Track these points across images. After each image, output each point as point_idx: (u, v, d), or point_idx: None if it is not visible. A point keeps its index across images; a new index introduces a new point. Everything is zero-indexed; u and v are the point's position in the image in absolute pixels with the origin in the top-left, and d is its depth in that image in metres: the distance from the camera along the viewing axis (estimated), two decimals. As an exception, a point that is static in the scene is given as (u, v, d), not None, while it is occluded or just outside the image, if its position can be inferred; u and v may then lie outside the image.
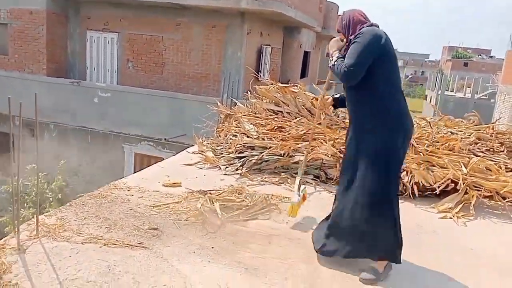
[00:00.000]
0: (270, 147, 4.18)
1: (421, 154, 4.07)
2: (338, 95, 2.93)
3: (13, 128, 2.21)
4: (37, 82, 11.23)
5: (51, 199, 7.93)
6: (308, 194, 3.46)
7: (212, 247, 2.55)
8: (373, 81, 2.33)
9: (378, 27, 2.45)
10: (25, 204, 8.03)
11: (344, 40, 2.50)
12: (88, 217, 2.77)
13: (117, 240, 2.49)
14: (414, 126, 3.60)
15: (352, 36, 2.40)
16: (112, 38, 12.04)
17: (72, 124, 11.22)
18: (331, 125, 4.80)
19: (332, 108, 3.09)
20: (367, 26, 2.41)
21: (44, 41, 11.83)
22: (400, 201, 3.66)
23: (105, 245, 2.43)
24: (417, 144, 4.21)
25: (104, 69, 12.37)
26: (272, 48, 13.21)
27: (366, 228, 2.37)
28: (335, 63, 2.42)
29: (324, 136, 4.40)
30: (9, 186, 7.68)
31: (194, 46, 11.38)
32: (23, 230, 2.49)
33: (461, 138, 4.48)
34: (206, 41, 11.26)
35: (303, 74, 16.51)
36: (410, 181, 3.80)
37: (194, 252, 2.47)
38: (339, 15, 16.40)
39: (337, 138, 4.28)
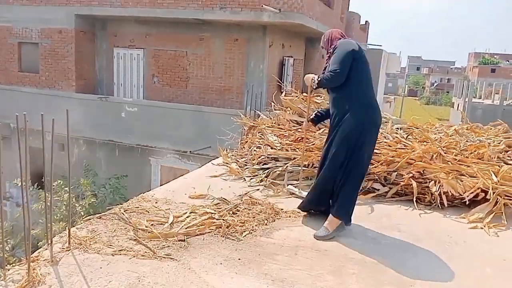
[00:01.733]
0: (294, 158, 4.18)
1: (449, 163, 4.00)
2: (313, 115, 3.53)
3: (44, 143, 2.29)
4: (67, 98, 11.61)
5: (82, 212, 8.12)
6: None
7: (239, 259, 2.57)
8: (349, 82, 2.96)
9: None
10: (55, 217, 8.24)
11: (325, 56, 3.13)
12: (117, 229, 2.83)
13: (145, 252, 2.54)
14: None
15: (331, 49, 3.03)
16: (138, 54, 12.36)
17: (101, 138, 11.51)
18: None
19: (313, 125, 3.68)
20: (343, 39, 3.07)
21: (73, 58, 12.26)
22: (429, 211, 3.68)
23: (134, 256, 2.48)
24: (445, 153, 4.13)
25: (130, 85, 12.69)
26: (294, 59, 13.27)
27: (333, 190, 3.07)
28: (320, 78, 3.06)
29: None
30: (41, 200, 7.91)
31: (217, 60, 11.55)
32: (55, 242, 2.57)
33: (491, 146, 4.38)
34: (228, 55, 11.42)
35: (326, 85, 16.47)
36: (439, 190, 3.74)
37: (221, 263, 2.50)
38: (362, 24, 16.32)
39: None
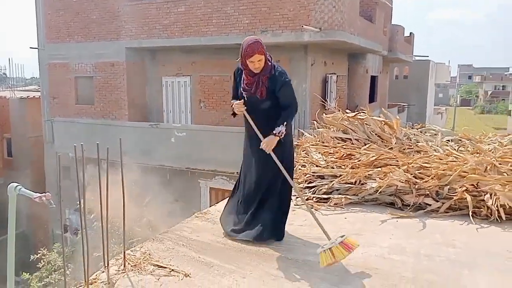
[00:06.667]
0: (340, 175, 4.15)
1: (505, 174, 3.81)
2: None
3: (100, 170, 2.44)
4: (120, 127, 12.19)
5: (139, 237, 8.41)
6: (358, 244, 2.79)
7: (288, 279, 2.57)
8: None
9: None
10: (113, 240, 8.57)
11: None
12: (169, 250, 2.93)
13: (197, 272, 2.61)
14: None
15: (276, 72, 3.04)
16: (185, 81, 12.83)
17: (152, 164, 11.94)
18: (404, 149, 4.67)
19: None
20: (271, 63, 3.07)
21: (125, 89, 12.92)
22: (486, 225, 3.51)
23: (186, 276, 2.55)
24: (500, 164, 3.94)
25: (179, 111, 13.15)
26: (337, 76, 13.22)
27: None
28: (285, 122, 2.99)
29: (397, 161, 4.29)
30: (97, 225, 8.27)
31: (260, 81, 11.72)
32: (112, 265, 2.70)
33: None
34: (271, 76, 11.56)
35: (372, 99, 16.22)
36: (495, 203, 3.56)
37: (269, 284, 2.51)
38: (406, 36, 15.95)
39: (410, 163, 4.15)
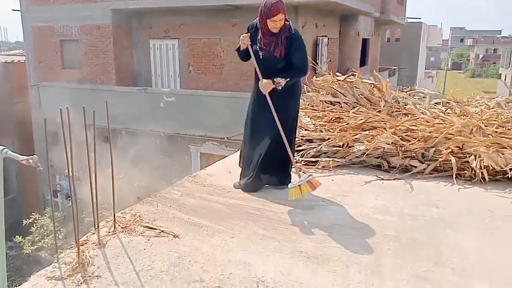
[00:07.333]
0: (328, 139, 4.19)
1: (490, 136, 3.87)
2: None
3: (88, 136, 2.42)
4: (108, 91, 12.03)
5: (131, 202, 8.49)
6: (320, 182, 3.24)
7: (275, 238, 2.64)
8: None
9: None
10: (105, 205, 8.65)
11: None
12: (158, 212, 2.98)
13: (186, 233, 2.66)
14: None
15: (288, 33, 3.10)
16: (173, 44, 12.58)
17: (142, 129, 11.88)
18: (392, 112, 4.70)
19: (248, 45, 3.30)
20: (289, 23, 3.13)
21: (112, 53, 12.65)
22: (469, 186, 3.60)
23: (175, 237, 2.61)
24: (486, 126, 4.00)
25: (167, 75, 12.96)
26: (328, 38, 13.06)
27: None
28: (288, 78, 3.15)
29: (385, 124, 4.32)
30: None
31: (250, 44, 11.54)
32: (102, 227, 2.73)
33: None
34: (261, 39, 11.38)
35: (363, 63, 16.12)
36: (479, 165, 3.64)
37: (257, 242, 2.58)
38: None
39: (398, 125, 4.19)
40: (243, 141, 3.49)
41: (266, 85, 3.16)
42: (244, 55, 3.38)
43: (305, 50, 3.21)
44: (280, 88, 3.15)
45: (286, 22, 3.10)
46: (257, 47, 3.22)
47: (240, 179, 3.51)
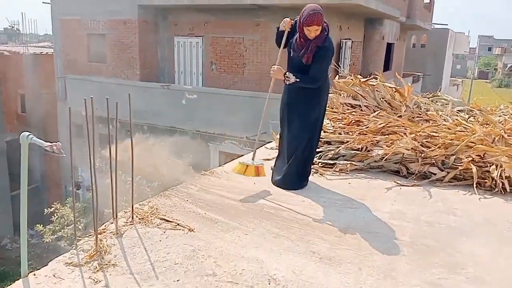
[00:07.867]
0: (347, 142, 4.17)
1: (512, 146, 3.80)
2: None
3: (111, 129, 2.48)
4: (132, 86, 12.22)
5: (148, 194, 8.62)
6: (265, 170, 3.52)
7: (288, 237, 2.66)
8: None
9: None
10: (124, 197, 8.81)
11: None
12: (175, 205, 3.03)
13: (201, 227, 2.70)
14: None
15: (321, 42, 3.18)
16: (197, 42, 12.70)
17: (163, 125, 12.03)
18: (413, 117, 4.65)
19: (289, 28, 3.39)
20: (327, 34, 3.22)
21: (137, 48, 12.85)
22: (489, 196, 3.54)
23: (190, 231, 2.65)
24: (508, 136, 3.92)
25: (190, 72, 13.09)
26: (352, 41, 12.97)
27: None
28: (299, 80, 3.24)
29: (405, 129, 4.28)
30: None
31: (273, 45, 11.50)
32: (120, 217, 2.80)
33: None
34: (284, 39, 11.39)
35: (387, 67, 15.95)
36: (500, 175, 3.57)
37: (270, 240, 2.60)
38: (426, 3, 15.46)
39: (418, 131, 4.14)
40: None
41: (276, 71, 3.34)
42: (279, 37, 3.47)
43: (327, 64, 3.28)
44: (287, 83, 3.28)
45: (324, 32, 3.19)
46: (291, 44, 3.32)
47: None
